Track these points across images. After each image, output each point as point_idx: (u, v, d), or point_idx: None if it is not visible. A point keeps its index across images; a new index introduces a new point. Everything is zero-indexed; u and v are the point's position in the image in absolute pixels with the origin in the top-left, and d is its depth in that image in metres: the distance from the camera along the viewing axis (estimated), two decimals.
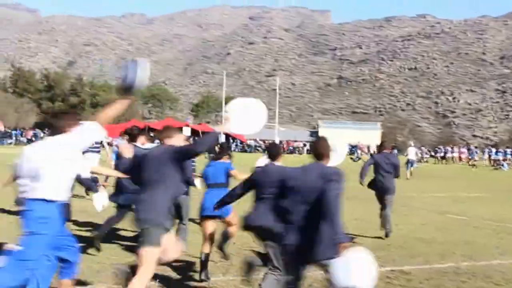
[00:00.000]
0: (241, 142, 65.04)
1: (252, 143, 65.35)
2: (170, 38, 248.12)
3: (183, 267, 6.72)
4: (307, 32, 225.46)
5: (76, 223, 9.28)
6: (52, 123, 4.64)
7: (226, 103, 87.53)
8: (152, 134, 15.91)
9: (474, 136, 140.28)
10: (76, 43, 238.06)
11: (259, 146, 61.96)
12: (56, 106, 78.14)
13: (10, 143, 52.97)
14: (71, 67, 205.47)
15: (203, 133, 56.73)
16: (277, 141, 42.78)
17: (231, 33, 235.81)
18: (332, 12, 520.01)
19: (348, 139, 69.67)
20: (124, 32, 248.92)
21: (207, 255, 6.28)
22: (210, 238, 6.36)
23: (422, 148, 59.83)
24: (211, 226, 6.37)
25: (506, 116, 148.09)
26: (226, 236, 6.54)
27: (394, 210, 12.43)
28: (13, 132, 57.72)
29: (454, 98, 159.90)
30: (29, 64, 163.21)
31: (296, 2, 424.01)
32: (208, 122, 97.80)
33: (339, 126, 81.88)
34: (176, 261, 5.84)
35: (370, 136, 73.43)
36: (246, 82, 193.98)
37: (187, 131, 49.10)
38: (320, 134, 79.48)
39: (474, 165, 40.69)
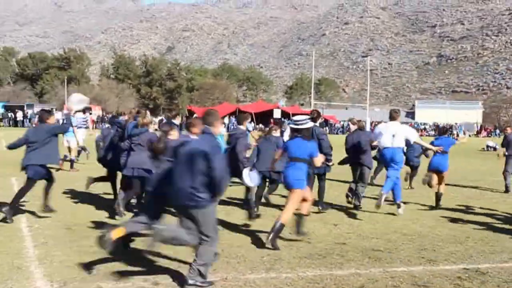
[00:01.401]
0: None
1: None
2: (265, 21, 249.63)
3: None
4: (405, 9, 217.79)
5: None
6: None
7: (319, 84, 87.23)
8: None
9: None
10: (174, 29, 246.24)
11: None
12: (154, 91, 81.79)
13: None
14: (169, 53, 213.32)
15: (293, 115, 57.12)
16: (368, 122, 41.54)
17: (325, 14, 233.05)
18: None
19: (446, 119, 67.03)
20: (220, 16, 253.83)
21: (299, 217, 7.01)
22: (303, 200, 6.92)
23: None
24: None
25: None
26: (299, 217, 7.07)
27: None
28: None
29: None
30: (131, 51, 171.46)
31: None
32: (302, 104, 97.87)
33: (436, 106, 78.88)
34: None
35: (470, 116, 70.13)
36: (341, 63, 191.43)
37: (277, 113, 49.72)
38: (417, 114, 77.13)
39: None
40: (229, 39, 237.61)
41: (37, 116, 10.05)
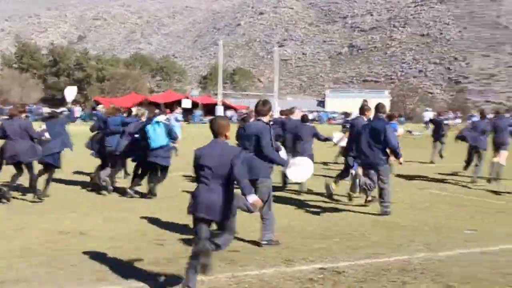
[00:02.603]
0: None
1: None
2: (180, 10, 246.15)
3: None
4: (317, 0, 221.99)
5: None
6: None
7: (234, 74, 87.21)
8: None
9: (488, 102, 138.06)
10: (85, 17, 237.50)
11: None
12: (62, 81, 78.35)
13: None
14: (80, 42, 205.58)
15: (204, 104, 56.51)
16: (276, 111, 41.78)
17: (240, 3, 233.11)
18: None
19: (356, 108, 68.92)
20: (133, 5, 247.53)
21: None
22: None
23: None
24: None
25: None
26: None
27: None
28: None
29: (467, 64, 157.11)
30: (38, 40, 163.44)
31: None
32: (216, 94, 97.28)
33: (345, 95, 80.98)
34: None
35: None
36: (256, 53, 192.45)
37: (187, 103, 49.03)
38: (327, 103, 78.83)
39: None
40: (143, 28, 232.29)
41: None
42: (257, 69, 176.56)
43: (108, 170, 10.37)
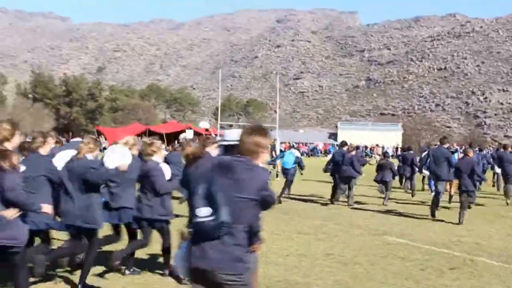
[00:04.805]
0: None
1: None
2: (198, 42, 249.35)
3: None
4: (334, 34, 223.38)
5: None
6: None
7: (248, 105, 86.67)
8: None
9: (507, 136, 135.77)
10: (105, 49, 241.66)
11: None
12: (74, 111, 78.82)
13: None
14: (100, 73, 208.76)
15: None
16: (277, 142, 40.25)
17: (258, 36, 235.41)
18: (360, 13, 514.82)
19: (367, 140, 67.99)
20: (152, 37, 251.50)
21: None
22: None
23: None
24: None
25: None
26: None
27: None
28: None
29: (485, 98, 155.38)
30: (60, 71, 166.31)
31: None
32: (230, 126, 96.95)
33: (357, 128, 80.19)
34: None
35: (390, 138, 71.45)
36: (273, 85, 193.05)
37: (190, 134, 48.48)
38: (339, 135, 77.93)
39: None
40: (162, 60, 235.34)
41: None
42: (273, 100, 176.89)
43: None
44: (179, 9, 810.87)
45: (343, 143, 14.49)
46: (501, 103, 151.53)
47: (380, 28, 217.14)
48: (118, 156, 5.75)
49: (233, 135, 4.58)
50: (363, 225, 10.40)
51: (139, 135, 41.75)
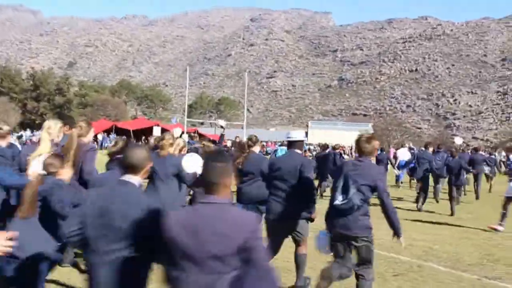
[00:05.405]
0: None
1: None
2: (171, 39, 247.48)
3: None
4: (308, 33, 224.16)
5: None
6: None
7: (220, 104, 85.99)
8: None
9: (475, 138, 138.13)
10: (77, 44, 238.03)
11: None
12: (41, 106, 77.30)
13: None
14: (71, 68, 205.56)
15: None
16: (244, 139, 40.35)
17: (232, 34, 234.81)
18: (334, 14, 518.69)
19: (337, 140, 68.17)
20: (125, 33, 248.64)
21: None
22: None
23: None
24: None
25: (507, 118, 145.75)
26: None
27: None
28: None
29: (455, 100, 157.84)
30: (29, 65, 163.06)
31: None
32: (201, 123, 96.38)
33: (328, 127, 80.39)
34: None
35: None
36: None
37: (157, 131, 47.96)
38: (310, 134, 78.08)
39: None
40: (134, 57, 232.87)
41: None
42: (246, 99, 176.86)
43: None
44: (152, 5, 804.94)
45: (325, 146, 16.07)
46: (470, 106, 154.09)
47: (353, 29, 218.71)
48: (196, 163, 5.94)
49: (295, 134, 6.12)
50: None
51: (106, 131, 41.15)
